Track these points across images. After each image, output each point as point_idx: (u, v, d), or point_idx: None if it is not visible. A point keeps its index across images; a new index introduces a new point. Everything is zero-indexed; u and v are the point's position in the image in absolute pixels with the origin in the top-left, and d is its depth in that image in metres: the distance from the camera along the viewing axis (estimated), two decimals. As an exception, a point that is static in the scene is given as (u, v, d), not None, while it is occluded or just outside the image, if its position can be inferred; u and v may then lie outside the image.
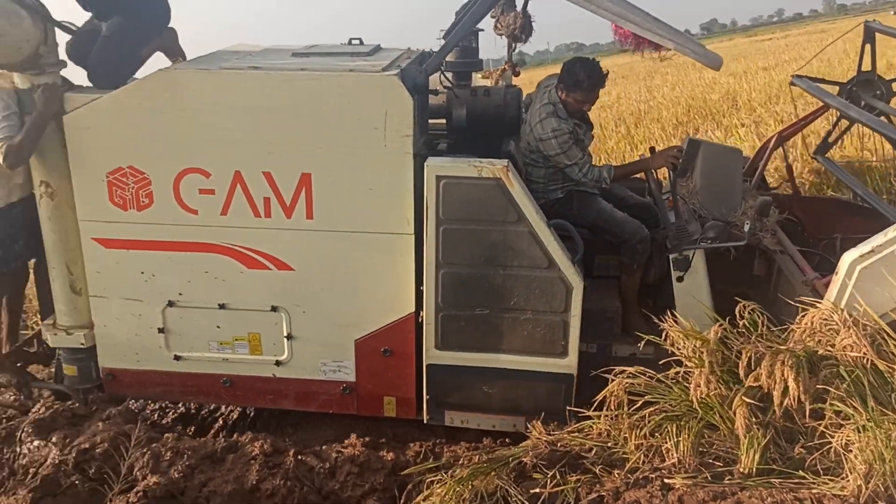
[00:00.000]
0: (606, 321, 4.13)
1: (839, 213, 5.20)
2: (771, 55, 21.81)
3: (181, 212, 3.85)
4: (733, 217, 4.56)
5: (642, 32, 3.46)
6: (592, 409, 3.48)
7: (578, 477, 3.18)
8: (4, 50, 3.61)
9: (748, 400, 3.07)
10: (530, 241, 3.66)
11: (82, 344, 4.14)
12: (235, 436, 4.11)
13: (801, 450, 3.07)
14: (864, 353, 3.01)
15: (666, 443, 3.17)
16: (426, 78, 3.78)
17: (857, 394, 2.98)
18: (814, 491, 2.84)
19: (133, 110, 3.73)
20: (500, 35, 5.12)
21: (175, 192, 3.82)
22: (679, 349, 3.33)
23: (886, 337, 3.08)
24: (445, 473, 3.41)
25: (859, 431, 2.87)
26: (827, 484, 2.86)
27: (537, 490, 3.16)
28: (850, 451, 2.86)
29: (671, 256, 3.93)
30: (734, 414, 3.10)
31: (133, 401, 4.65)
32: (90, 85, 3.98)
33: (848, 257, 3.31)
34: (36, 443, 4.02)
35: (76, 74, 4.02)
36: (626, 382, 3.37)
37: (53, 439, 3.98)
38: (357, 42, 4.39)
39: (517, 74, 5.32)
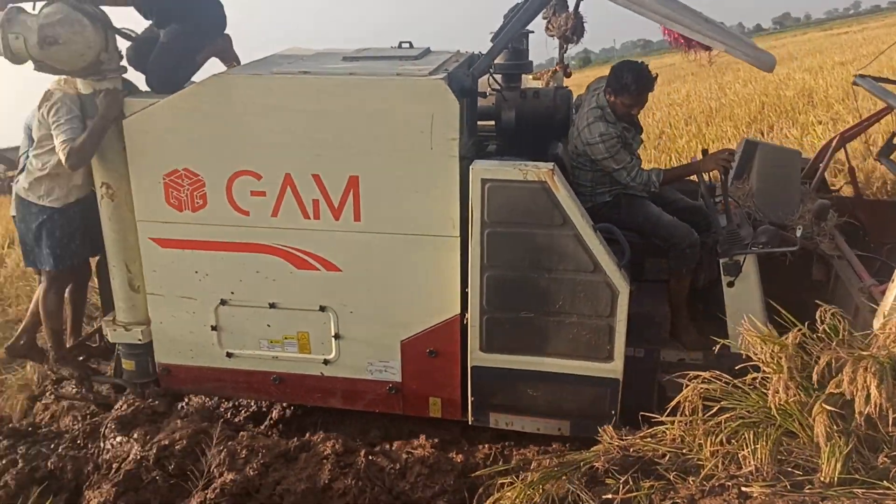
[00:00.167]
0: (654, 326, 4.07)
1: (903, 217, 5.02)
2: (848, 49, 20.96)
3: (233, 213, 3.94)
4: (790, 220, 4.44)
5: (691, 34, 3.40)
6: (666, 414, 3.38)
7: (652, 483, 3.10)
8: (68, 57, 3.75)
9: (829, 407, 2.93)
10: (576, 245, 3.63)
11: (140, 340, 4.28)
12: (308, 435, 4.17)
13: (886, 459, 2.92)
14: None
15: (743, 450, 3.06)
16: (474, 81, 3.79)
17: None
18: (899, 502, 2.70)
19: (188, 114, 3.84)
20: (552, 36, 5.10)
21: (228, 193, 3.91)
22: (756, 354, 3.21)
23: None
24: (516, 477, 3.39)
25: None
26: (913, 495, 2.72)
27: (609, 496, 3.09)
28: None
29: (721, 261, 3.85)
30: (814, 421, 2.97)
31: (207, 398, 4.73)
32: (148, 90, 4.12)
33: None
34: (118, 439, 4.17)
35: (135, 80, 4.17)
36: (701, 388, 3.27)
37: (135, 436, 4.12)
38: (407, 45, 4.43)
39: (568, 76, 5.30)
